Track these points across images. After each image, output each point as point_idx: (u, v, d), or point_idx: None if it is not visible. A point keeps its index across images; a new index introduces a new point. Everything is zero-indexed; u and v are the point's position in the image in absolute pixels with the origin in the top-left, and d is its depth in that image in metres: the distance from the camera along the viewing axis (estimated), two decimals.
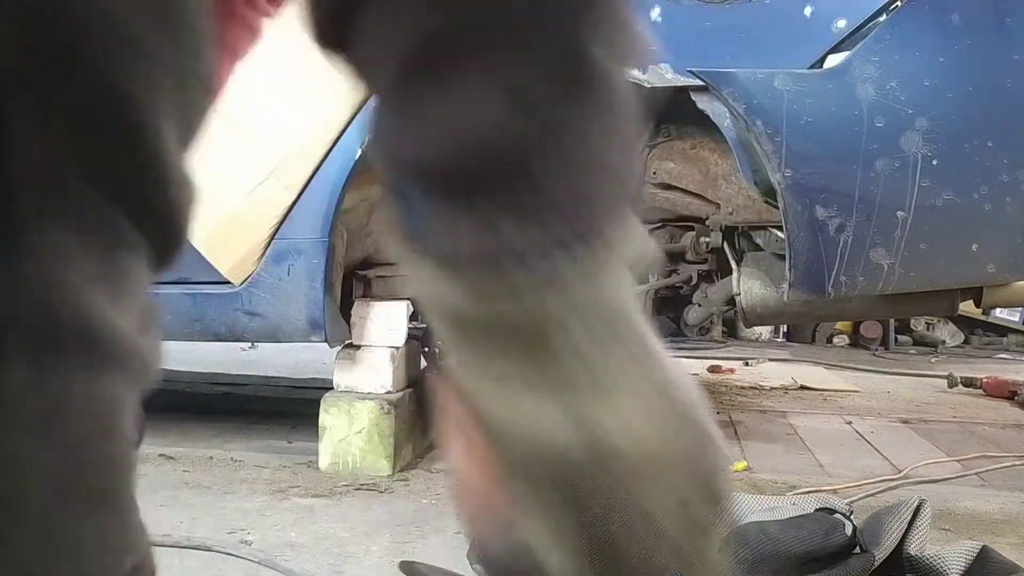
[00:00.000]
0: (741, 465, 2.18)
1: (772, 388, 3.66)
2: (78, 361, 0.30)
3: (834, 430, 2.75)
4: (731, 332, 6.04)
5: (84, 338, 0.30)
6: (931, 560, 1.32)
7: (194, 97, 0.35)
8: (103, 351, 0.31)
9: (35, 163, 0.29)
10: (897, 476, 2.12)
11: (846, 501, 1.72)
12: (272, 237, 1.98)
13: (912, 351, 5.63)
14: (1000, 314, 5.84)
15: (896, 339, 5.77)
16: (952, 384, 3.69)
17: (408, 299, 2.20)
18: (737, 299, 2.27)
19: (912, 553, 1.33)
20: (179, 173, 0.34)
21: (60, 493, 0.30)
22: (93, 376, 0.31)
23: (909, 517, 1.36)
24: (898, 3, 1.90)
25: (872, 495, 1.95)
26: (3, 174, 0.28)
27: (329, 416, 2.04)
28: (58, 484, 0.30)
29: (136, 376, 0.33)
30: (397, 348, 2.12)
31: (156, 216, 0.33)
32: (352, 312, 2.14)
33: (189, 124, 0.35)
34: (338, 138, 1.93)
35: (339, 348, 2.12)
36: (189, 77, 0.35)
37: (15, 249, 0.29)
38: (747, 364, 4.47)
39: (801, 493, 1.88)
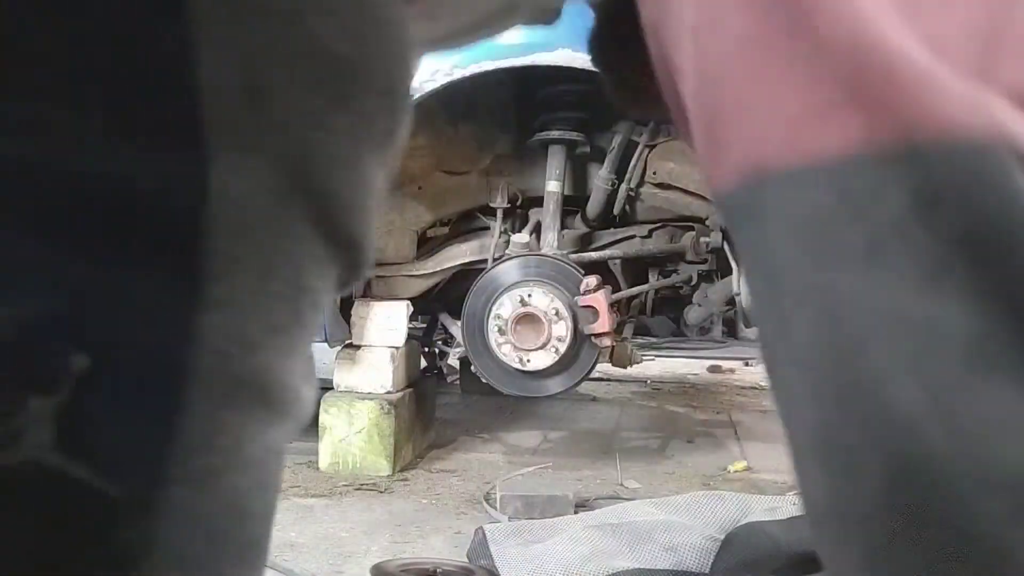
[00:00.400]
0: (741, 465, 2.18)
1: None
2: (251, 416, 0.30)
3: None
4: (731, 332, 6.03)
5: (259, 393, 0.30)
6: None
7: (398, 116, 0.34)
8: (274, 405, 0.31)
9: (232, 207, 0.28)
10: None
11: None
12: None
13: None
14: None
15: None
16: None
17: (408, 299, 2.20)
18: (737, 299, 2.27)
19: None
20: (373, 199, 0.34)
21: (218, 543, 0.30)
22: (262, 430, 0.31)
23: None
24: None
25: None
26: (197, 223, 0.28)
27: (329, 416, 2.04)
28: (217, 535, 0.30)
29: (296, 426, 0.33)
30: (397, 348, 2.12)
31: (351, 243, 0.33)
32: (352, 312, 2.14)
33: (389, 143, 0.34)
34: None
35: (339, 348, 2.12)
36: (397, 96, 0.34)
37: (203, 300, 0.28)
38: (747, 364, 4.47)
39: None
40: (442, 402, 2.69)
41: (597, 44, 0.50)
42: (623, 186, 2.28)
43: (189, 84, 0.27)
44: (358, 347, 2.11)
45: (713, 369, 4.13)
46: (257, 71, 0.28)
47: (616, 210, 2.32)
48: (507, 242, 2.25)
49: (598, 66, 0.49)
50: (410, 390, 2.17)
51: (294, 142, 0.29)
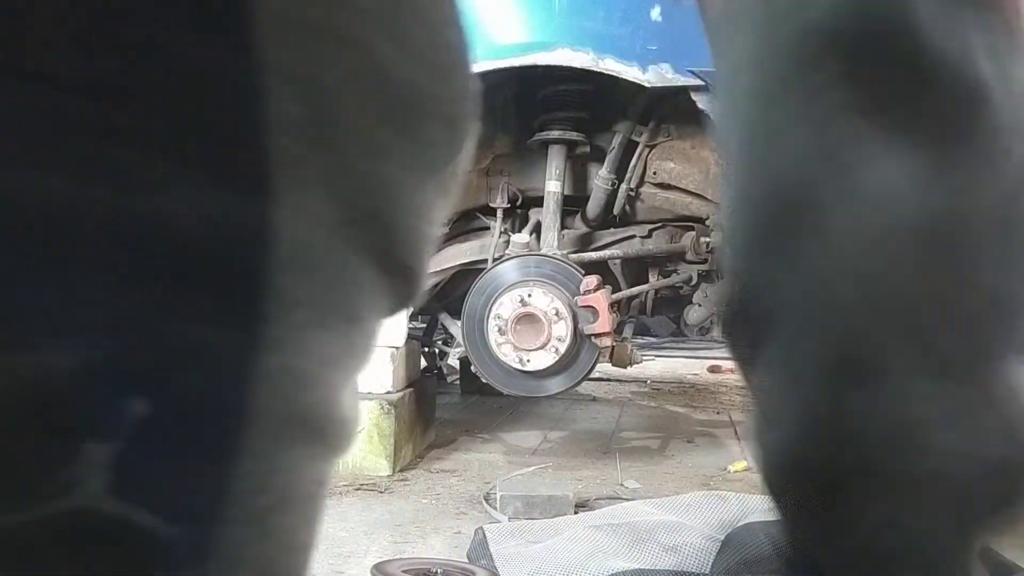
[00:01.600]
0: (741, 465, 2.18)
1: None
2: (303, 453, 0.30)
3: None
4: None
5: (312, 429, 0.30)
6: None
7: (459, 142, 0.33)
8: (325, 440, 0.31)
9: (294, 247, 0.28)
10: None
11: None
12: None
13: None
14: None
15: None
16: None
17: None
18: None
19: None
20: (430, 226, 0.33)
21: None
22: (313, 466, 0.31)
23: None
24: None
25: None
26: (260, 266, 0.27)
27: None
28: (266, 572, 0.30)
29: (343, 454, 0.33)
30: (397, 348, 2.12)
31: (406, 271, 0.33)
32: None
33: (450, 170, 0.33)
34: None
35: None
36: (459, 122, 0.33)
37: (262, 341, 0.28)
38: None
39: None
40: (442, 402, 2.69)
41: None
42: (623, 186, 2.28)
43: (256, 121, 0.26)
44: None
45: (713, 369, 4.13)
46: (326, 104, 0.27)
47: (616, 210, 2.32)
48: (507, 242, 2.25)
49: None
50: (410, 390, 2.17)
51: (358, 174, 0.29)
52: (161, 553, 0.27)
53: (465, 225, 2.44)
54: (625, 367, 2.36)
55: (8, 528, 0.25)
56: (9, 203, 0.24)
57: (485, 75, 1.91)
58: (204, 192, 0.26)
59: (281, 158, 0.27)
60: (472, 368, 2.28)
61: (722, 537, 1.40)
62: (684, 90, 2.01)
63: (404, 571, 1.31)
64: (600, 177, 2.27)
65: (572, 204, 2.35)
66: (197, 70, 0.26)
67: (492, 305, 2.07)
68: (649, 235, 2.39)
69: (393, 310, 0.35)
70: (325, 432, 0.31)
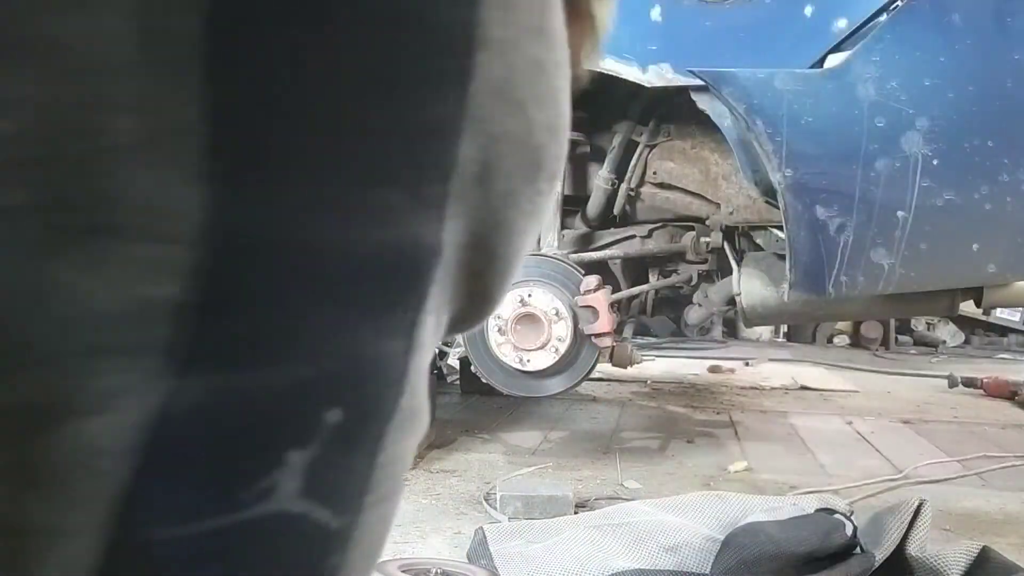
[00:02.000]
0: (741, 465, 2.18)
1: (772, 388, 3.66)
2: (411, 443, 0.34)
3: (834, 430, 2.75)
4: (731, 332, 6.04)
5: (419, 422, 0.34)
6: (932, 560, 1.32)
7: (554, 194, 0.39)
8: (422, 431, 0.35)
9: (444, 265, 0.32)
10: (897, 476, 2.12)
11: (846, 501, 1.72)
12: None
13: (912, 351, 5.63)
14: (1000, 314, 5.84)
15: (896, 339, 5.77)
16: (953, 384, 3.69)
17: None
18: (737, 299, 2.27)
19: (912, 553, 1.33)
20: (520, 263, 0.38)
21: (371, 560, 0.35)
22: (412, 455, 0.35)
23: (909, 517, 1.36)
24: (898, 2, 1.90)
25: (872, 495, 1.95)
26: (428, 282, 0.31)
27: None
28: (374, 553, 0.35)
29: None
30: None
31: (489, 301, 0.38)
32: None
33: (543, 218, 0.38)
34: None
35: None
36: (557, 179, 0.38)
37: (414, 347, 0.32)
38: (747, 364, 4.47)
39: (801, 493, 1.88)
40: (442, 402, 2.69)
41: None
42: (623, 186, 2.28)
43: (450, 158, 0.31)
44: None
45: (713, 369, 4.13)
46: (492, 151, 0.32)
47: (616, 210, 2.32)
48: None
49: None
50: None
51: (493, 215, 0.34)
52: (325, 540, 0.31)
53: None
54: (625, 367, 2.36)
55: (214, 530, 0.28)
56: (273, 239, 0.28)
57: None
58: (404, 219, 0.30)
59: (456, 191, 0.31)
60: (472, 368, 2.28)
61: (722, 537, 1.40)
62: (684, 90, 2.01)
63: (403, 571, 1.31)
64: (600, 177, 2.27)
65: (572, 204, 2.35)
66: (420, 109, 0.30)
67: None
68: (649, 235, 2.39)
69: (456, 331, 0.39)
70: (423, 423, 0.35)
